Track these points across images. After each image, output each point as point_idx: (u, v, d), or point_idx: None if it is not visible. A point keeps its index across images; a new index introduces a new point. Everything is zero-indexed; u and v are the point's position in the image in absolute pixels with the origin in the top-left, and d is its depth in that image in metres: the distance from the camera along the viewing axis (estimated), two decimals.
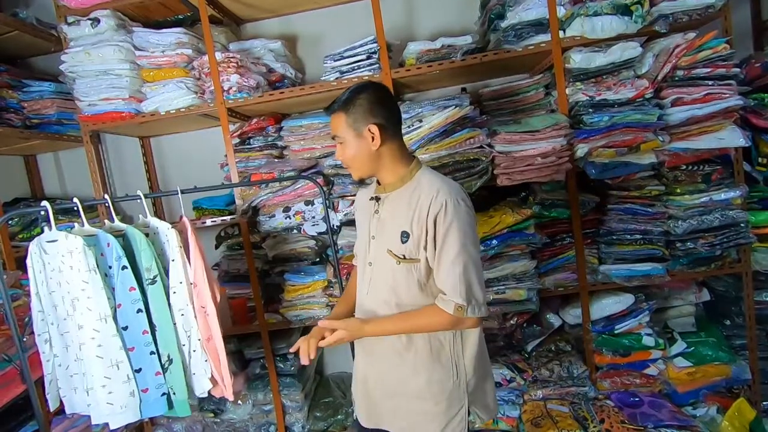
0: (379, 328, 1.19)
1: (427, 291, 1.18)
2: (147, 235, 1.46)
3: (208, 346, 1.51)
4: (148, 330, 1.42)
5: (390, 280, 1.19)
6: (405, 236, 1.16)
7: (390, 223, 1.20)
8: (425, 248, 1.15)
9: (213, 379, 1.52)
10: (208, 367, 1.49)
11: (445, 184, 1.16)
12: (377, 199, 1.24)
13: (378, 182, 1.27)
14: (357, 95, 1.17)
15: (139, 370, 1.42)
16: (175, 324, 1.47)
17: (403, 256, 1.16)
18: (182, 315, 1.47)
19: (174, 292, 1.46)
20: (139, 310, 1.41)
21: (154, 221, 1.51)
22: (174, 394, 1.47)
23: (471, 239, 1.14)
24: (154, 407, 1.44)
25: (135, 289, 1.40)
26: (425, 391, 1.20)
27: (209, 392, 1.53)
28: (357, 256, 1.36)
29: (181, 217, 1.58)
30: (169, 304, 1.46)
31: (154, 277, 1.43)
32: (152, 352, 1.43)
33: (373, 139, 1.16)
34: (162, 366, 1.44)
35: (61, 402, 1.51)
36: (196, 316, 1.49)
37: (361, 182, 1.26)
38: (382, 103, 1.18)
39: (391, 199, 1.22)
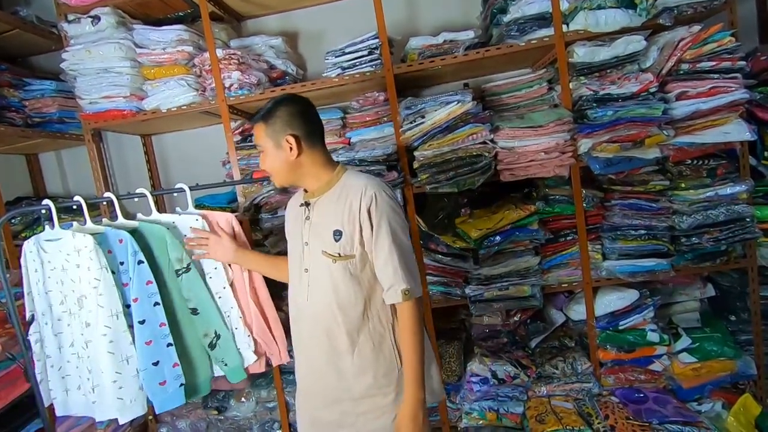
0: (416, 378, 1.19)
1: (363, 282, 1.23)
2: None
3: (262, 319, 1.61)
4: (165, 323, 1.44)
5: (328, 281, 1.23)
6: (338, 234, 1.21)
7: (322, 226, 1.24)
8: (360, 243, 1.20)
9: (257, 352, 1.61)
10: (251, 342, 1.57)
11: (371, 180, 1.24)
12: (307, 204, 1.28)
13: (305, 189, 1.31)
14: (277, 107, 1.23)
15: (156, 363, 1.43)
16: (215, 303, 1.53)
17: (338, 254, 1.21)
18: (220, 298, 1.54)
19: (210, 278, 1.52)
20: (156, 303, 1.43)
21: (167, 216, 1.55)
22: (226, 365, 1.56)
23: (401, 226, 1.22)
24: (172, 399, 1.47)
25: (152, 282, 1.43)
26: (373, 388, 1.23)
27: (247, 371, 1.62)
28: (290, 264, 1.37)
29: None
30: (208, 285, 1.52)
31: (188, 265, 1.47)
32: (169, 344, 1.45)
33: (291, 149, 1.21)
34: (211, 344, 1.53)
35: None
36: (236, 296, 1.57)
37: (284, 190, 1.31)
38: (300, 116, 1.24)
39: (321, 203, 1.26)
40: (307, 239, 1.27)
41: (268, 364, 1.67)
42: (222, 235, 1.51)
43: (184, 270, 1.47)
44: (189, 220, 1.53)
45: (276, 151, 1.23)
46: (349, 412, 1.25)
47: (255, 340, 1.60)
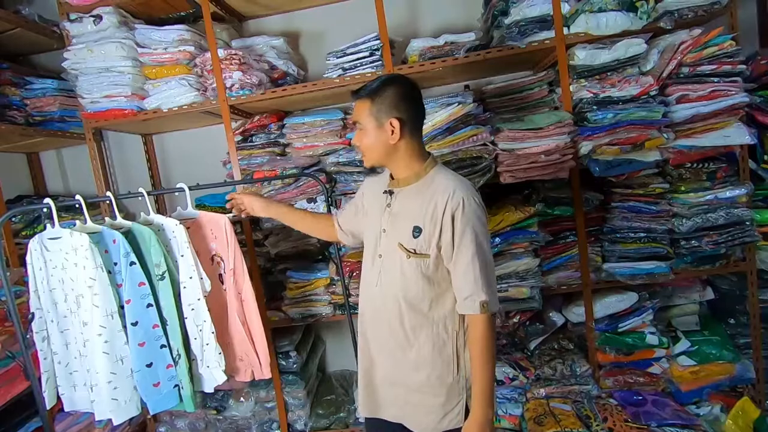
0: (485, 394, 1.17)
1: (434, 283, 1.21)
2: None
3: (245, 330, 1.58)
4: (159, 324, 1.43)
5: (398, 273, 1.21)
6: (417, 231, 1.18)
7: (402, 218, 1.22)
8: (437, 245, 1.17)
9: (234, 368, 1.57)
10: (222, 360, 1.51)
11: (461, 183, 1.20)
12: (390, 193, 1.26)
13: (391, 176, 1.29)
14: (386, 86, 1.19)
15: (150, 365, 1.42)
16: (186, 318, 1.48)
17: (414, 250, 1.18)
18: (192, 309, 1.47)
19: (184, 287, 1.47)
20: (149, 305, 1.42)
21: (159, 218, 1.52)
22: (182, 388, 1.48)
23: (485, 237, 1.18)
24: (166, 400, 1.46)
25: (144, 284, 1.41)
26: (425, 385, 1.22)
27: (230, 382, 1.59)
28: (365, 246, 1.35)
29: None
30: (180, 299, 1.47)
31: (163, 273, 1.44)
32: (163, 346, 1.44)
33: (392, 132, 1.18)
34: (173, 359, 1.46)
35: (60, 400, 1.51)
36: (224, 304, 1.54)
37: (372, 170, 1.29)
38: (408, 100, 1.20)
39: (405, 194, 1.24)
40: (385, 227, 1.25)
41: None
42: (251, 194, 1.55)
43: (159, 277, 1.44)
44: (171, 224, 1.48)
45: (376, 132, 1.19)
46: (401, 397, 1.26)
47: (236, 356, 1.56)
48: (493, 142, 1.84)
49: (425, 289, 1.20)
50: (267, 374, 1.63)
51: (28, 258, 1.45)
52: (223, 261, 1.59)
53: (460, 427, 1.21)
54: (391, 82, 1.20)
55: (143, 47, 1.99)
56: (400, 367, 1.25)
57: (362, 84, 1.25)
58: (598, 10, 1.77)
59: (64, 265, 1.43)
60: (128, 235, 1.44)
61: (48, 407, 1.50)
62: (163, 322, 1.45)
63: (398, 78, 1.24)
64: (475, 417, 1.17)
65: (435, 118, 1.83)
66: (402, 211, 1.22)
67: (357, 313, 1.38)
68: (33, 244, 1.44)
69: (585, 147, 1.79)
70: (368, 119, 1.20)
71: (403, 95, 1.19)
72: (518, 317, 2.07)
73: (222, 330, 1.56)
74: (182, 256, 1.46)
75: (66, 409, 1.53)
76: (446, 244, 1.16)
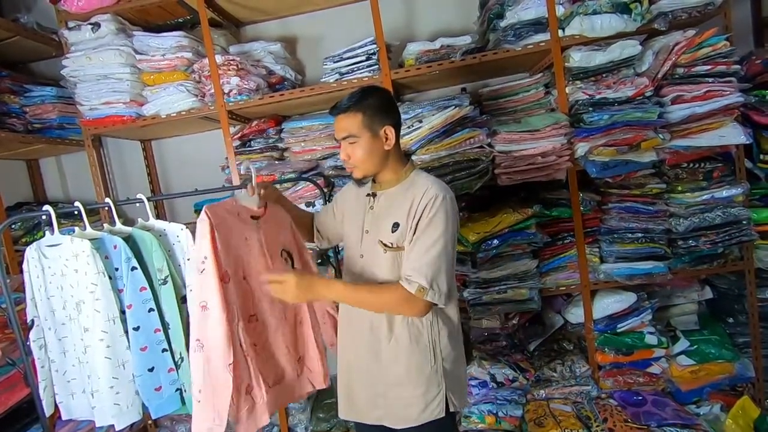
0: (333, 293, 1.22)
1: None
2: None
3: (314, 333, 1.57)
4: (161, 328, 1.43)
5: (378, 269, 1.25)
6: (395, 227, 1.23)
7: (384, 218, 1.26)
8: (410, 238, 1.20)
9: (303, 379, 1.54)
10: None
11: (438, 182, 1.24)
12: (373, 195, 1.31)
13: (373, 179, 1.33)
14: (369, 96, 1.23)
15: (152, 369, 1.43)
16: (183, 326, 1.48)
17: (391, 244, 1.23)
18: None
19: (190, 290, 1.47)
20: (151, 309, 1.42)
21: (160, 223, 1.52)
22: (185, 391, 1.48)
23: (450, 234, 1.18)
24: (168, 404, 1.46)
25: (146, 288, 1.41)
26: (404, 377, 1.24)
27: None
28: (347, 248, 1.39)
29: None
30: (185, 302, 1.47)
31: (166, 277, 1.44)
32: (164, 350, 1.44)
33: (387, 139, 1.23)
34: (175, 363, 1.46)
35: (57, 408, 1.51)
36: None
37: (360, 182, 1.32)
38: (392, 105, 1.27)
39: (387, 196, 1.29)
40: (367, 228, 1.29)
41: None
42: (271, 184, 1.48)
43: (162, 282, 1.44)
44: (175, 229, 1.49)
45: (373, 141, 1.22)
46: (381, 395, 1.27)
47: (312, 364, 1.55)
48: (490, 145, 1.84)
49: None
50: (326, 383, 1.56)
51: (24, 266, 1.45)
52: (291, 257, 1.52)
53: (442, 418, 1.23)
54: (372, 92, 1.24)
55: (141, 54, 2.01)
56: (379, 362, 1.26)
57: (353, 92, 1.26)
58: (592, 13, 1.79)
59: (63, 271, 1.43)
60: (129, 240, 1.44)
61: (46, 416, 1.50)
62: (165, 326, 1.45)
63: (375, 87, 1.30)
64: (313, 276, 1.28)
65: (432, 121, 1.84)
66: (384, 211, 1.27)
67: None
68: (30, 252, 1.44)
69: (581, 148, 1.80)
70: (362, 130, 1.21)
71: (389, 102, 1.25)
72: (517, 318, 2.08)
73: (295, 337, 1.52)
74: (188, 259, 1.47)
75: (63, 418, 1.53)
76: (410, 234, 1.19)
